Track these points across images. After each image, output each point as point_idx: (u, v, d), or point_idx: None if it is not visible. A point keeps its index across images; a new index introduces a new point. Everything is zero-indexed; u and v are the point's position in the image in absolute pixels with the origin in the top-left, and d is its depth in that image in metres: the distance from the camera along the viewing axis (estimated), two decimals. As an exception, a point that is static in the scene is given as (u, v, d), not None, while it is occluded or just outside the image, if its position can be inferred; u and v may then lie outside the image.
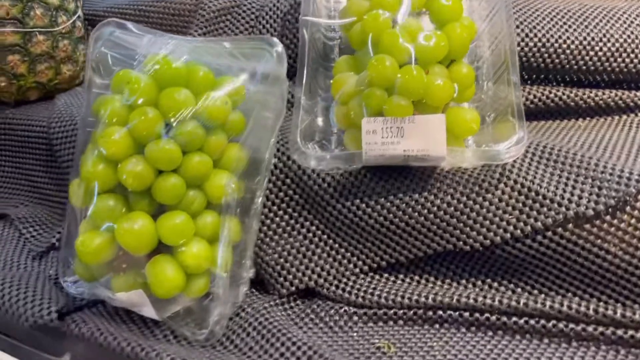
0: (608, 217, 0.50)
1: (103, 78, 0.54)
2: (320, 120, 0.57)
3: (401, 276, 0.55)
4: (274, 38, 0.49)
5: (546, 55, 0.63)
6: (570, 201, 0.50)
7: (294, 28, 0.68)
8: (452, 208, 0.52)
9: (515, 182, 0.52)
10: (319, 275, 0.55)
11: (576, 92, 0.64)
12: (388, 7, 0.53)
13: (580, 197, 0.50)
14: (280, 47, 0.49)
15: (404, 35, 0.51)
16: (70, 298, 0.52)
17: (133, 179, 0.46)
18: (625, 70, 0.63)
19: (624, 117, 0.65)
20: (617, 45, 0.63)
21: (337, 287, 0.54)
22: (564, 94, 0.64)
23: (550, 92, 0.64)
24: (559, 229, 0.50)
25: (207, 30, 0.71)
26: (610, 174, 0.50)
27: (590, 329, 0.49)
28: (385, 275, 0.55)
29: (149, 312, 0.49)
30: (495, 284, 0.54)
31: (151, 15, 0.76)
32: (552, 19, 0.64)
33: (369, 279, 0.55)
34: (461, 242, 0.52)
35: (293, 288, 0.55)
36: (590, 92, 0.64)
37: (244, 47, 0.51)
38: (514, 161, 0.53)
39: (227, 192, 0.49)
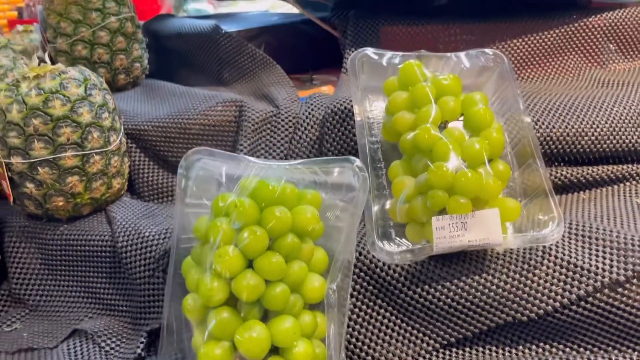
0: (635, 281, 0.60)
1: (192, 199, 0.60)
2: (379, 216, 0.65)
3: (467, 349, 0.63)
4: (353, 157, 0.58)
5: (551, 143, 0.75)
6: (604, 270, 0.60)
7: (332, 133, 0.77)
8: (508, 285, 0.61)
9: (556, 257, 0.61)
10: (399, 357, 0.62)
11: (576, 170, 0.76)
12: (430, 117, 0.63)
13: (611, 266, 0.60)
14: (359, 162, 0.57)
15: (452, 143, 0.60)
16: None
17: (248, 292, 0.52)
18: (613, 149, 0.76)
19: (615, 186, 0.78)
20: (603, 131, 0.76)
21: (416, 365, 0.61)
22: (567, 172, 0.76)
23: (556, 172, 0.76)
24: (598, 294, 0.60)
25: (252, 140, 0.79)
26: (632, 244, 0.61)
27: (637, 377, 0.58)
28: (454, 349, 0.63)
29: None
30: (547, 347, 0.62)
31: (192, 127, 0.84)
32: (549, 112, 0.77)
33: (441, 355, 0.62)
34: (519, 314, 0.61)
35: (377, 371, 0.61)
36: (588, 169, 0.76)
37: (327, 166, 0.59)
38: (551, 239, 0.63)
39: (326, 292, 0.55)
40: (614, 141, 0.76)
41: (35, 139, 0.72)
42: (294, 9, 1.26)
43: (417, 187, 0.61)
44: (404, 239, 0.64)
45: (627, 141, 0.76)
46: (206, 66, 1.08)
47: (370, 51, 0.70)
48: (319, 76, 1.10)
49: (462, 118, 0.67)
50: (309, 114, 0.80)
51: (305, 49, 1.16)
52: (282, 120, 0.80)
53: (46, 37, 1.04)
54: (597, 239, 0.63)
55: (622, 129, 0.76)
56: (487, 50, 0.72)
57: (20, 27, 1.38)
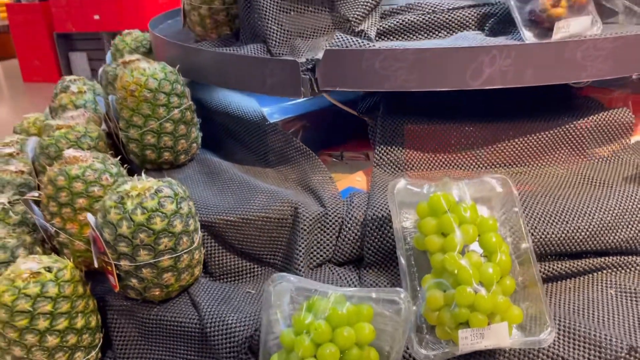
0: (606, 370, 0.81)
1: (274, 309, 0.80)
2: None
3: (480, 417, 0.84)
4: (400, 289, 0.78)
5: (545, 245, 0.95)
6: (583, 363, 0.81)
7: (372, 235, 0.97)
8: (512, 374, 0.82)
9: (548, 351, 0.82)
10: None
11: (562, 265, 0.97)
12: (455, 245, 0.83)
13: (589, 359, 0.81)
14: (405, 293, 0.77)
15: (472, 268, 0.80)
16: None
17: (328, 392, 0.73)
18: (592, 249, 0.96)
19: (595, 274, 0.98)
20: (586, 235, 0.95)
21: None
22: (557, 266, 0.96)
23: (548, 267, 0.96)
24: (578, 381, 0.81)
25: (307, 241, 0.98)
26: (605, 341, 0.82)
27: None
28: (471, 418, 0.84)
29: None
30: (540, 415, 0.84)
31: (254, 222, 1.03)
32: (543, 219, 0.97)
33: (462, 423, 0.83)
34: (519, 395, 0.82)
35: None
36: (572, 262, 0.97)
37: (379, 294, 0.79)
38: (544, 336, 0.83)
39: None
40: (594, 242, 0.96)
41: (141, 249, 0.90)
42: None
43: (445, 299, 0.81)
44: (434, 335, 0.84)
45: (605, 242, 0.96)
46: (253, 146, 1.27)
47: (404, 183, 0.89)
48: (348, 153, 1.29)
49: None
50: (352, 215, 0.99)
51: (335, 125, 1.34)
52: (330, 220, 1.00)
53: (118, 125, 1.21)
54: (579, 335, 0.83)
55: (601, 233, 0.96)
56: (496, 175, 0.92)
57: (74, 88, 1.55)
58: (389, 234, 0.96)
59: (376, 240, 0.96)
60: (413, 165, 1.13)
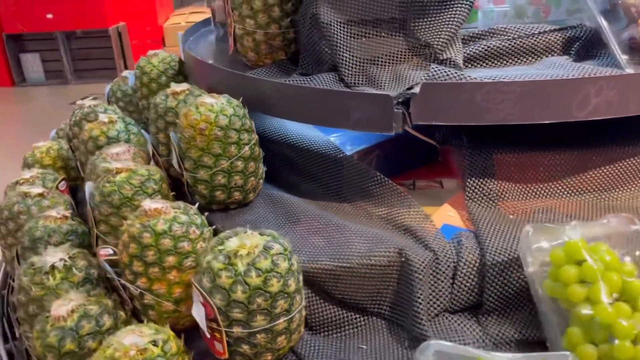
0: None
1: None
2: None
3: None
4: (567, 353, 0.73)
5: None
6: None
7: (495, 280, 0.92)
8: None
9: (699, 399, 0.80)
10: None
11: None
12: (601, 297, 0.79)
13: None
14: (571, 357, 0.73)
15: (627, 321, 0.77)
16: None
17: None
18: None
19: None
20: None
21: None
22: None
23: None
24: None
25: (423, 290, 0.92)
26: None
27: None
28: None
29: None
30: None
31: (356, 270, 0.95)
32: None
33: None
34: None
35: None
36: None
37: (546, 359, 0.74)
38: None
39: None
40: None
41: (257, 314, 0.82)
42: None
43: (599, 354, 0.78)
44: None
45: None
46: (322, 179, 1.19)
47: (536, 234, 0.85)
48: (421, 182, 1.24)
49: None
50: (465, 260, 0.94)
51: (405, 152, 1.28)
52: (442, 266, 0.94)
53: (184, 166, 1.11)
54: None
55: None
56: (623, 214, 0.88)
57: (103, 117, 1.42)
58: (512, 279, 0.91)
59: (499, 286, 0.92)
60: (505, 196, 1.08)
